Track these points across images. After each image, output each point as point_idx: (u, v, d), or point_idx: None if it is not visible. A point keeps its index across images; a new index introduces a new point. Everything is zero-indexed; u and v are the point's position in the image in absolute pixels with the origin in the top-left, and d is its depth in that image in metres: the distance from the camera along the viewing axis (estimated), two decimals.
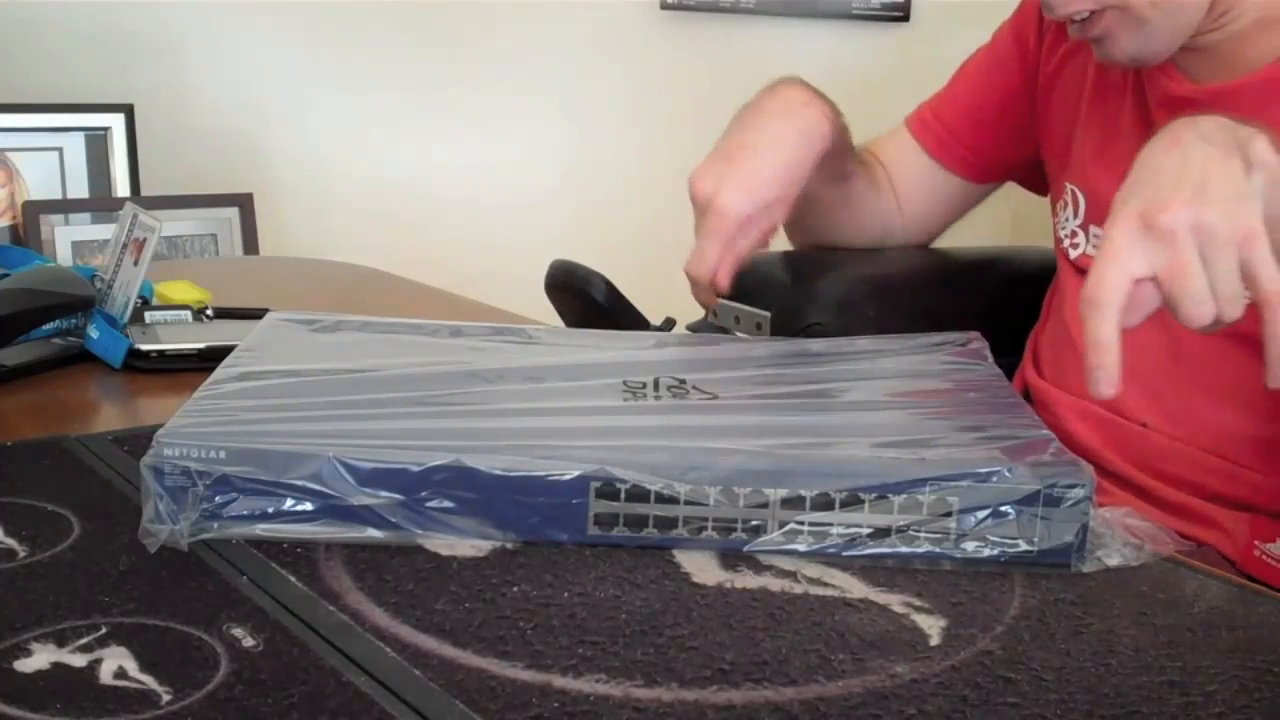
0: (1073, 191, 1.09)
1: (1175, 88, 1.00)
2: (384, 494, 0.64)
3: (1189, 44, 0.98)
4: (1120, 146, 1.05)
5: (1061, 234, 1.11)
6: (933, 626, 0.59)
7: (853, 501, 0.65)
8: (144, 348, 0.97)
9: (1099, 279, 0.68)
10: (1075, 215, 1.09)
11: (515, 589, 0.60)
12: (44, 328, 0.99)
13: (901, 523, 0.65)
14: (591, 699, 0.51)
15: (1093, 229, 1.07)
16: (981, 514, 0.65)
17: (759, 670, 0.54)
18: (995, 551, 0.66)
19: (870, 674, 0.54)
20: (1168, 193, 0.69)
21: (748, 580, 0.63)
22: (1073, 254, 1.09)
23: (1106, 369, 0.66)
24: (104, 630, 0.54)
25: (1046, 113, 1.14)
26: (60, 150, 2.16)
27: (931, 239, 1.27)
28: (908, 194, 1.23)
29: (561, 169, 2.68)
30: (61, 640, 0.53)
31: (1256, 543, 0.96)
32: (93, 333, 0.98)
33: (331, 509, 0.64)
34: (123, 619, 0.56)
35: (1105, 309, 0.67)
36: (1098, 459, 1.00)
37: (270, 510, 0.64)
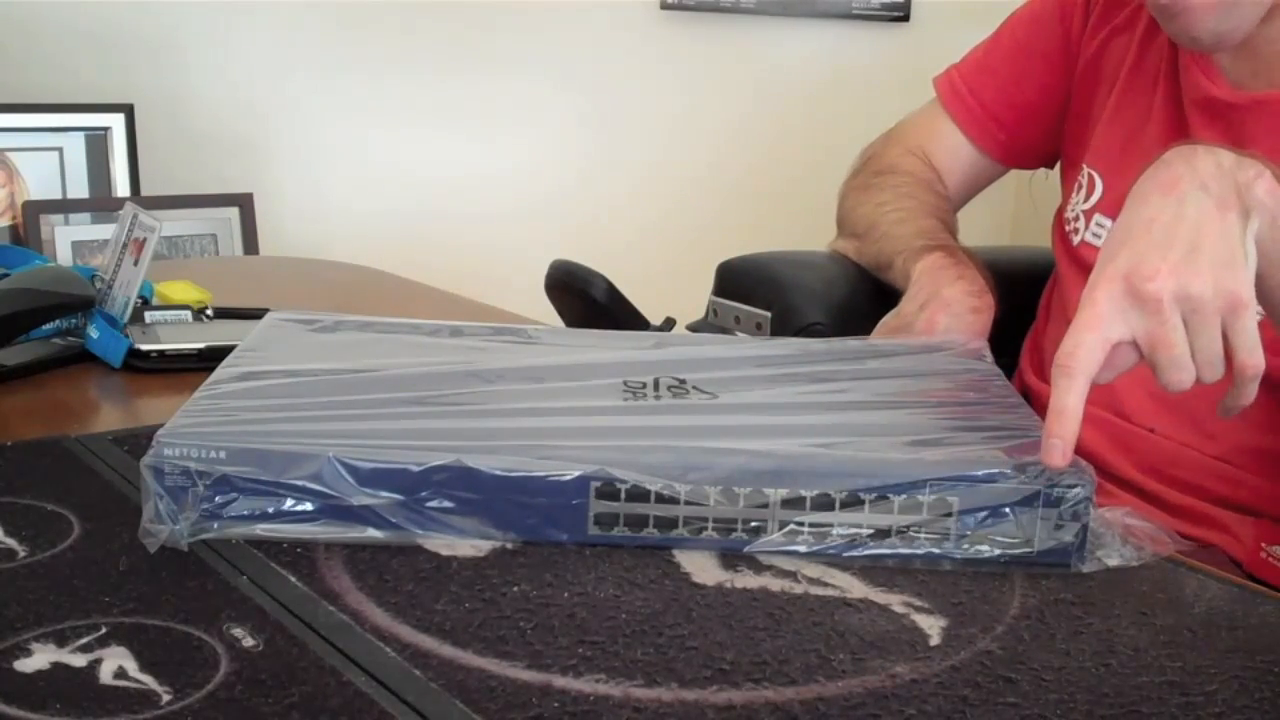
0: (1089, 175, 1.08)
1: (1213, 89, 0.98)
2: (384, 494, 0.64)
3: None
4: (1147, 140, 1.04)
5: (1068, 215, 1.10)
6: (933, 626, 0.59)
7: (853, 502, 0.65)
8: (144, 348, 0.97)
9: (1075, 345, 0.67)
10: (1087, 199, 1.08)
11: (515, 589, 0.60)
12: (44, 328, 0.99)
13: (902, 523, 0.65)
14: (591, 699, 0.51)
15: (1097, 218, 1.06)
16: (982, 514, 0.65)
17: (759, 670, 0.54)
18: (995, 552, 0.66)
19: (870, 674, 0.54)
20: (1156, 256, 0.68)
21: (748, 580, 0.63)
22: (1074, 240, 1.08)
23: (1064, 439, 0.65)
24: (104, 630, 0.54)
25: (1078, 95, 1.13)
26: (60, 150, 2.16)
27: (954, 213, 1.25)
28: (942, 170, 1.22)
29: (561, 169, 2.69)
30: (61, 640, 0.53)
31: (1263, 545, 0.96)
32: (93, 333, 0.98)
33: (332, 509, 0.64)
34: (123, 619, 0.56)
35: (1076, 378, 0.66)
36: (1102, 463, 1.00)
37: (270, 510, 0.64)
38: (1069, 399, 0.65)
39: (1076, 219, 1.08)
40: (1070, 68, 1.13)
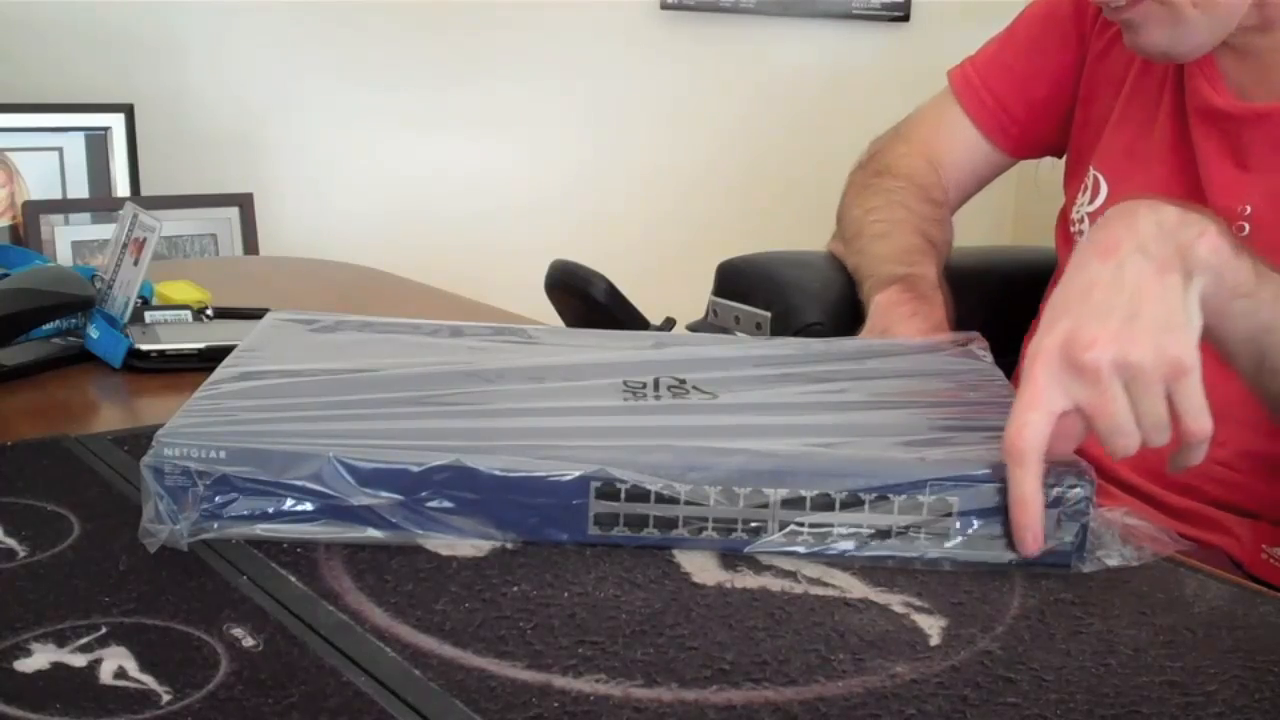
0: (1095, 177, 1.08)
1: (1217, 98, 0.98)
2: (384, 494, 0.64)
3: (1237, 45, 0.96)
4: (1152, 145, 1.03)
5: (1074, 216, 1.10)
6: (933, 626, 0.59)
7: (853, 502, 0.65)
8: (144, 348, 0.97)
9: (1020, 426, 0.65)
10: (1091, 201, 1.07)
11: (515, 589, 0.60)
12: (44, 328, 0.99)
13: (902, 523, 0.65)
14: (591, 699, 0.51)
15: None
16: (982, 514, 0.65)
17: (759, 670, 0.54)
18: (995, 552, 0.66)
19: (870, 674, 0.54)
20: (1094, 324, 0.66)
21: (748, 580, 0.63)
22: (1078, 241, 1.08)
23: (1033, 527, 0.64)
24: (104, 630, 0.54)
25: (1087, 91, 1.13)
26: (60, 150, 2.16)
27: (957, 207, 1.24)
28: (949, 163, 1.21)
29: (561, 169, 2.69)
30: (61, 640, 0.53)
31: (1264, 546, 0.96)
32: (93, 333, 0.98)
33: (331, 509, 0.64)
34: (123, 619, 0.56)
35: (1028, 463, 0.64)
36: (1100, 465, 1.00)
37: (270, 510, 0.64)
38: (1025, 487, 0.64)
39: (1081, 220, 1.08)
40: (1082, 61, 1.13)
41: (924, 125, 1.23)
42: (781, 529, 0.65)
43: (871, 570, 0.64)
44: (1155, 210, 0.71)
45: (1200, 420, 0.67)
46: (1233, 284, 0.72)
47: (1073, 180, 1.14)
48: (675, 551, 0.65)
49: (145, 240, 0.99)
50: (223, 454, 0.63)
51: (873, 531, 0.65)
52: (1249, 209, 0.95)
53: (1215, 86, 0.98)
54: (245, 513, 0.64)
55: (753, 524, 0.65)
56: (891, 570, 0.65)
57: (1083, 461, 0.67)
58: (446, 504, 0.64)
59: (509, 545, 0.65)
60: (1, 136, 2.10)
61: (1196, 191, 0.99)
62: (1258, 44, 0.96)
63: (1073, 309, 0.68)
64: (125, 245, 1.01)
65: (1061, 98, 1.15)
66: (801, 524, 0.65)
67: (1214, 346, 0.75)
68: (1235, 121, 0.97)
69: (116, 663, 0.52)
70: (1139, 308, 0.67)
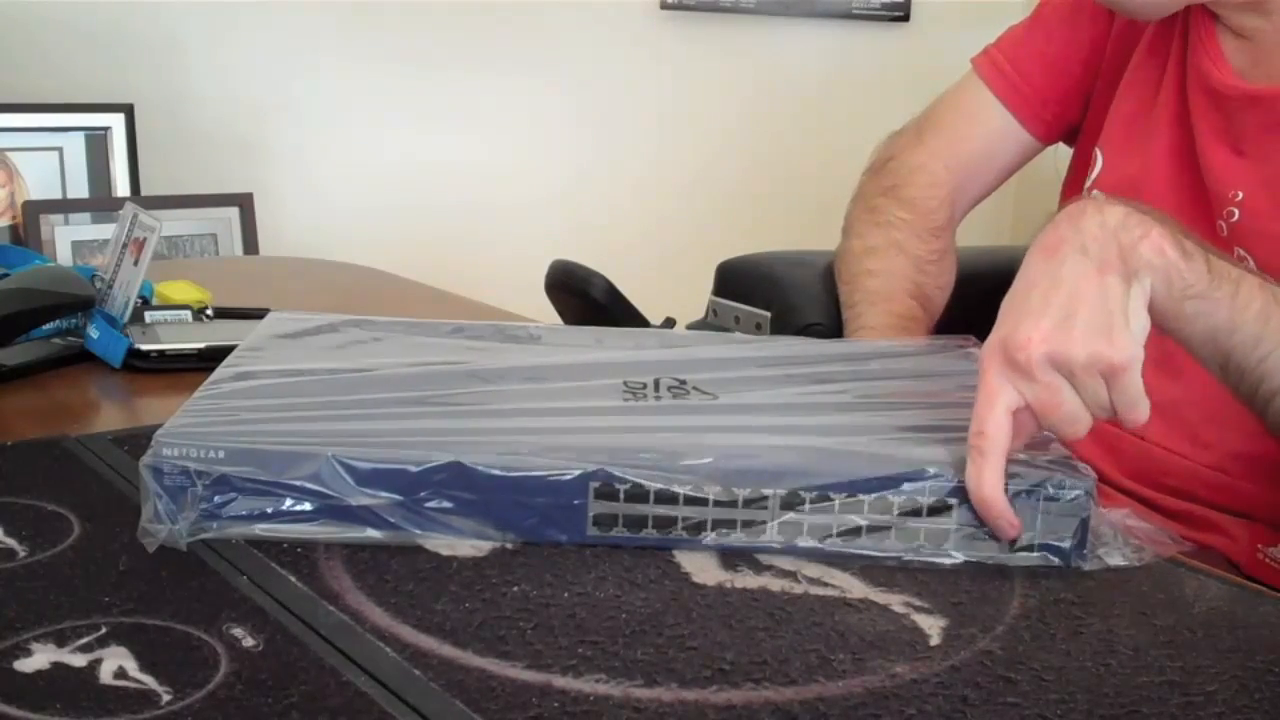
0: (1095, 153, 1.07)
1: (1217, 75, 0.97)
2: (383, 494, 0.64)
3: (1232, 24, 0.96)
4: (1151, 122, 1.03)
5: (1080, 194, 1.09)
6: (933, 626, 0.59)
7: (852, 502, 0.65)
8: (144, 348, 0.97)
9: (981, 424, 0.66)
10: (1088, 176, 1.07)
11: (515, 589, 0.60)
12: (44, 328, 0.99)
13: (901, 523, 0.65)
14: (591, 699, 0.51)
15: (1095, 194, 1.05)
16: None
17: (759, 670, 0.54)
18: (995, 551, 0.66)
19: (870, 674, 0.54)
20: (1029, 324, 0.67)
21: (748, 580, 0.63)
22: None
23: (1003, 519, 0.65)
24: (104, 630, 0.54)
25: (1106, 65, 1.11)
26: (60, 150, 2.16)
27: (978, 202, 1.21)
28: (977, 157, 1.18)
29: (561, 168, 2.69)
30: (61, 640, 0.53)
31: (1259, 546, 0.96)
32: (93, 333, 0.98)
33: (331, 509, 0.64)
34: (123, 619, 0.56)
35: (989, 456, 0.65)
36: (1096, 471, 0.99)
37: (269, 510, 0.64)
38: (985, 484, 0.65)
39: (1083, 195, 1.08)
40: (1108, 38, 1.11)
41: (949, 119, 1.19)
42: (781, 529, 0.65)
43: (871, 570, 0.65)
44: (1101, 210, 0.71)
45: (1135, 410, 0.68)
46: (1182, 285, 0.72)
47: (1080, 154, 1.13)
48: (675, 551, 0.65)
49: (145, 240, 0.99)
50: (222, 454, 0.63)
51: (872, 531, 0.65)
52: (1240, 195, 0.95)
53: (1217, 65, 0.98)
54: (244, 513, 0.64)
55: (752, 524, 0.65)
56: (891, 570, 0.65)
57: (1082, 462, 0.67)
58: (445, 504, 0.64)
59: (509, 545, 0.65)
60: (1, 136, 2.10)
61: (1193, 170, 0.98)
62: (1253, 25, 0.95)
63: (1014, 309, 0.70)
64: (125, 245, 1.01)
65: (1090, 78, 1.13)
66: (801, 524, 0.65)
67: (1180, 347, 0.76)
68: (1231, 102, 0.96)
69: (116, 663, 0.52)
70: (1075, 307, 0.67)
